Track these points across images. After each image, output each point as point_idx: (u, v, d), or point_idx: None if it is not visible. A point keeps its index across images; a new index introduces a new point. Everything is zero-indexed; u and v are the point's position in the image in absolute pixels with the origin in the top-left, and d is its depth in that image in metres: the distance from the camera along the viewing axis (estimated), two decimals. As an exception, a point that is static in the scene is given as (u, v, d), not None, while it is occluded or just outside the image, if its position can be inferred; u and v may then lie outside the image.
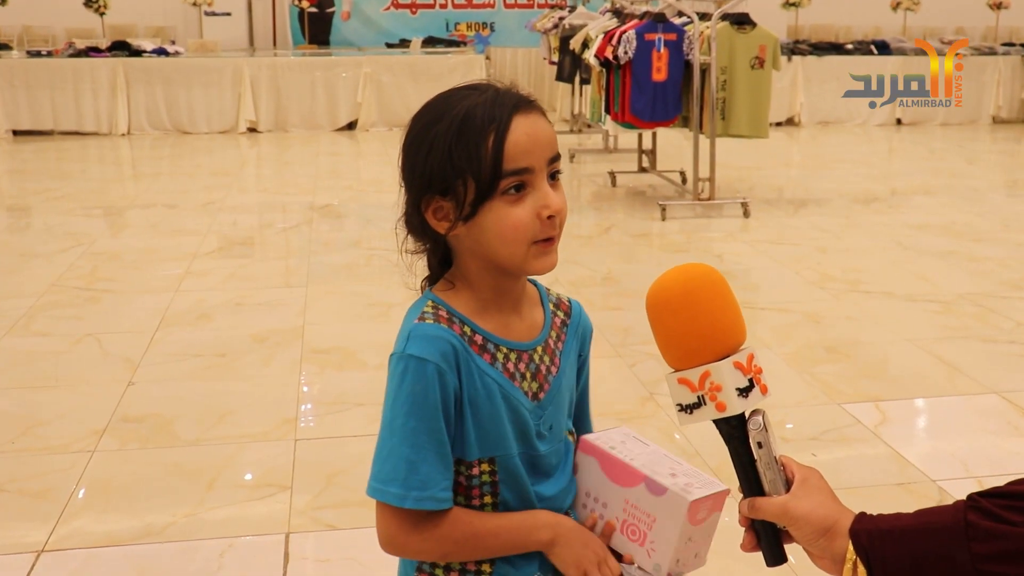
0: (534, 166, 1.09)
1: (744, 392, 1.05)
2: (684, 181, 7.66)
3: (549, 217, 1.09)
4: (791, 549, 1.11)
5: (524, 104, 1.10)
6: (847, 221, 6.53)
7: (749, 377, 1.05)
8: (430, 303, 1.15)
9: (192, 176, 8.41)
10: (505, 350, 1.15)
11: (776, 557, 1.09)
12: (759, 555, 1.11)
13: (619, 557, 1.18)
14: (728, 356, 1.05)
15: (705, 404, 1.06)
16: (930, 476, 2.93)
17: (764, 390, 1.07)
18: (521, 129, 1.08)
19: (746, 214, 6.61)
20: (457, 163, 1.08)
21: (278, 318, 4.40)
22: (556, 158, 1.11)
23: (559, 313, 1.24)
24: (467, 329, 1.13)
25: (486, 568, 1.16)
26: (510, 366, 1.15)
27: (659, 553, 1.13)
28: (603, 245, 6.02)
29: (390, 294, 4.55)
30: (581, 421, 1.29)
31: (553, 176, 1.11)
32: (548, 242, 1.11)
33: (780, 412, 3.40)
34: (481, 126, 1.07)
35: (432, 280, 1.20)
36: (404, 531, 1.10)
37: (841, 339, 4.16)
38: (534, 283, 1.24)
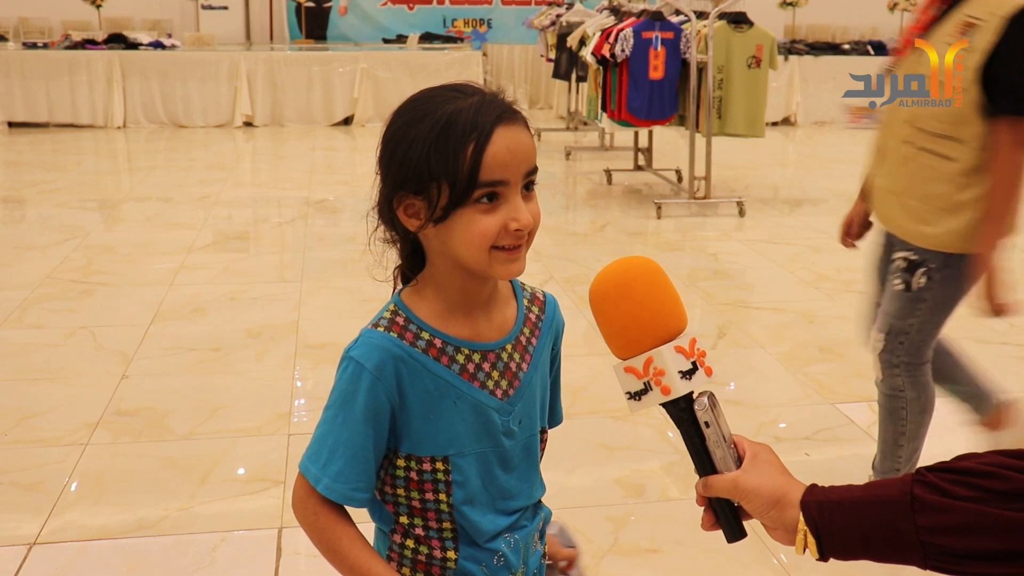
0: (509, 179, 1.09)
1: (687, 375, 1.08)
2: (680, 180, 7.67)
3: (516, 229, 1.10)
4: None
5: (508, 115, 1.10)
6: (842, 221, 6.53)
7: (692, 360, 1.09)
8: (391, 308, 1.19)
9: (187, 170, 8.39)
10: (467, 351, 1.17)
11: (735, 532, 1.12)
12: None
13: None
14: (670, 341, 1.09)
15: (651, 390, 1.09)
16: (922, 476, 2.93)
17: (708, 372, 1.10)
18: (501, 141, 1.08)
19: (741, 213, 6.62)
20: (434, 167, 1.08)
21: (272, 313, 4.41)
22: (533, 171, 1.12)
23: (533, 308, 1.26)
24: (424, 334, 1.16)
25: (451, 555, 1.19)
26: (471, 367, 1.17)
27: None
28: (598, 243, 6.03)
29: (385, 290, 4.54)
30: (553, 411, 1.32)
31: (528, 187, 1.12)
32: (514, 249, 1.11)
33: (773, 411, 3.41)
34: (462, 133, 1.07)
35: (403, 270, 1.23)
36: (300, 498, 1.17)
37: (835, 339, 4.17)
38: None
